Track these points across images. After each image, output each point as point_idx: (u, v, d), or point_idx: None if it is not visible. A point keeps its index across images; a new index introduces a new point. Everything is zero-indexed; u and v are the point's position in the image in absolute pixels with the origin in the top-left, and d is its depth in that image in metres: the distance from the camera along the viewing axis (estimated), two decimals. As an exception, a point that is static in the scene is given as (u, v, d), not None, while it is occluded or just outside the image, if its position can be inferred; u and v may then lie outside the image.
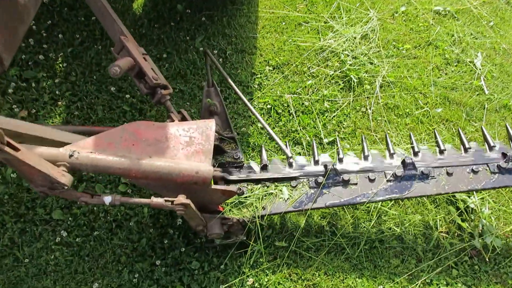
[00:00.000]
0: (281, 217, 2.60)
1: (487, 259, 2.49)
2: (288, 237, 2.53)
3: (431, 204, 2.70)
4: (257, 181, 2.43)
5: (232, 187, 2.27)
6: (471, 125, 3.19)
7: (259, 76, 3.35)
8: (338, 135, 2.99)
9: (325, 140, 2.95)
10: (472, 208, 2.65)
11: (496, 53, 3.77)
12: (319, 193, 2.39)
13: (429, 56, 3.62)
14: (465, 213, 2.64)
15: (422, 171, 2.40)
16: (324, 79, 3.36)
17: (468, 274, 2.46)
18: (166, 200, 2.01)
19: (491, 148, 2.54)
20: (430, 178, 2.41)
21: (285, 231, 2.55)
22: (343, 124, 3.09)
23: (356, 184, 2.41)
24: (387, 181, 2.41)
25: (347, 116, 3.14)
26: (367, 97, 3.26)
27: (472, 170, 2.43)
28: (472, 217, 2.64)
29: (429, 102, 3.30)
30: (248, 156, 2.82)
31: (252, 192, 2.41)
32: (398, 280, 2.40)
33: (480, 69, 3.57)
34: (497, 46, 3.82)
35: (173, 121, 2.37)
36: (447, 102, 3.32)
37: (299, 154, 2.87)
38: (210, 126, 2.25)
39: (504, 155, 2.48)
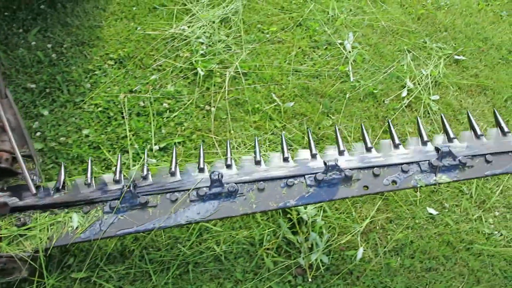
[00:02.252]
0: (87, 243, 2.33)
1: (309, 278, 2.27)
2: (92, 265, 2.26)
3: (261, 217, 2.45)
4: (49, 207, 2.14)
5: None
6: (328, 118, 2.90)
7: (96, 73, 2.98)
8: (159, 144, 2.67)
9: (155, 147, 2.64)
10: (305, 220, 2.41)
11: (373, 32, 3.44)
12: (113, 220, 2.11)
13: (296, 40, 3.28)
14: (297, 225, 2.40)
15: (228, 189, 2.12)
16: (172, 72, 3.02)
17: (289, 296, 2.25)
18: None
19: (313, 156, 2.26)
20: (238, 195, 2.14)
21: (91, 258, 2.28)
22: (183, 126, 2.77)
23: (155, 206, 2.13)
24: (191, 201, 2.14)
25: (189, 115, 2.83)
26: (215, 92, 2.93)
27: (287, 184, 2.17)
28: (305, 230, 2.40)
29: (285, 94, 2.99)
30: (67, 172, 2.50)
31: (36, 222, 2.12)
32: (207, 310, 2.18)
33: (349, 51, 3.25)
34: (376, 24, 3.48)
35: None
36: (306, 93, 3.01)
37: (125, 164, 2.56)
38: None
39: (325, 164, 2.21)
